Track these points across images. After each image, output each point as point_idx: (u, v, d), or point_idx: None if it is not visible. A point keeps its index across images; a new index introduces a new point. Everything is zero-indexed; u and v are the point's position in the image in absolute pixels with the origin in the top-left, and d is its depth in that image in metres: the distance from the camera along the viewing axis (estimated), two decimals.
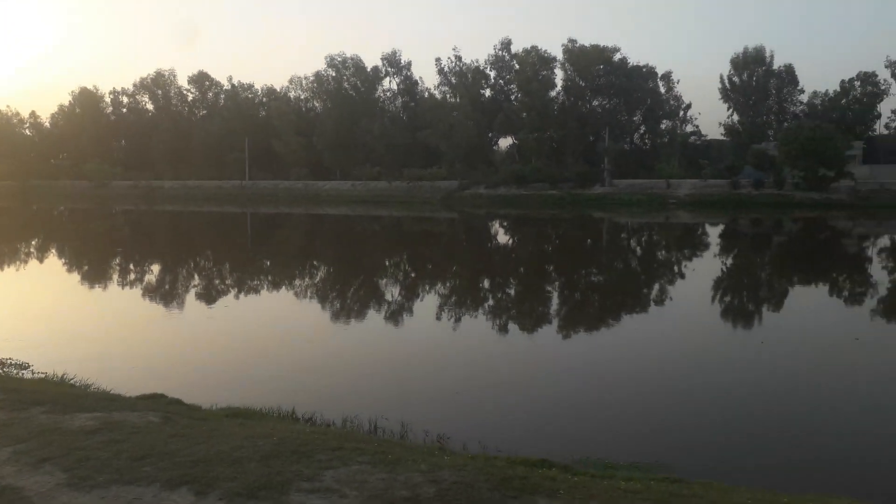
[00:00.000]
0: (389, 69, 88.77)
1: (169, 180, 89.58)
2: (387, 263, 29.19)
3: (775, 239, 38.04)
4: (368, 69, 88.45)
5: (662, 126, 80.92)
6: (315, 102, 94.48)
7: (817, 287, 23.04)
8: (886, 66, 74.24)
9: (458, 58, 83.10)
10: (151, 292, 20.59)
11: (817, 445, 8.45)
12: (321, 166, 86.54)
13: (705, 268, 25.93)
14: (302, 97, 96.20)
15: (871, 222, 44.75)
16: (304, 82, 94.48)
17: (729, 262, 28.77)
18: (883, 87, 76.14)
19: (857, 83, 77.37)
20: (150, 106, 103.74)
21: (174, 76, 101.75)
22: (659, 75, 79.73)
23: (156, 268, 26.97)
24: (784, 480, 6.85)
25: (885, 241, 37.01)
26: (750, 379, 11.36)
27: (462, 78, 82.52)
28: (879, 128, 77.88)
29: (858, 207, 51.94)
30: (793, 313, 17.98)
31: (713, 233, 41.86)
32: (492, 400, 10.22)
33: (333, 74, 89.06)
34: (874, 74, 76.50)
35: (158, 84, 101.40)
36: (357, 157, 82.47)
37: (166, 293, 20.60)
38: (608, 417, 9.44)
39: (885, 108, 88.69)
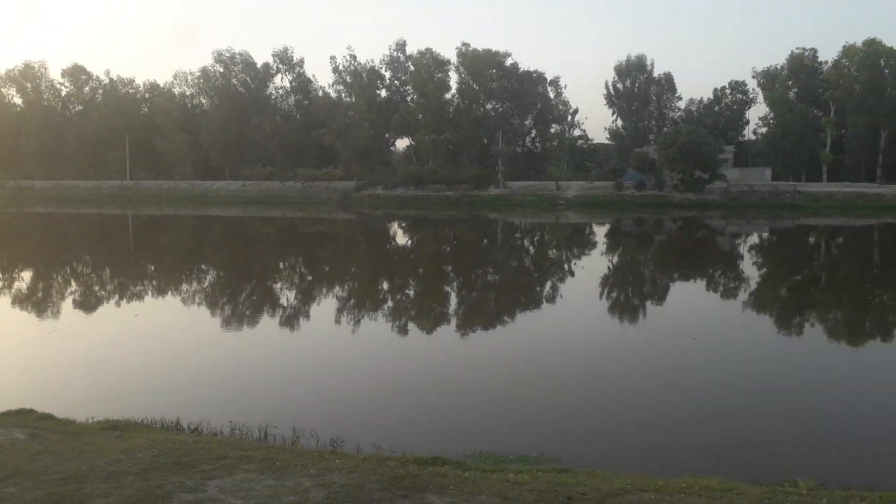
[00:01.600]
0: (281, 66, 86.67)
1: (41, 180, 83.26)
2: (281, 266, 28.48)
3: (657, 238, 40.24)
4: (259, 65, 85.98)
5: (552, 130, 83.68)
6: (202, 99, 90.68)
7: (696, 282, 24.61)
8: (753, 76, 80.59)
9: (353, 57, 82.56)
10: (22, 301, 19.05)
11: (693, 431, 8.99)
12: (209, 166, 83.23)
13: (593, 266, 27.06)
14: (187, 93, 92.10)
15: (741, 221, 48.35)
16: (189, 78, 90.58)
17: (615, 260, 30.16)
18: (751, 96, 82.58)
19: (729, 91, 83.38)
20: (17, 100, 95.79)
21: (45, 68, 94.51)
22: (548, 81, 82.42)
23: (27, 275, 24.97)
24: (661, 465, 7.26)
25: (754, 238, 40.06)
26: (635, 371, 11.96)
27: (357, 77, 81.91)
28: (748, 133, 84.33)
29: (730, 207, 56.07)
30: (676, 307, 19.10)
31: (600, 232, 43.74)
32: (388, 401, 10.21)
33: (221, 70, 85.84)
34: (743, 83, 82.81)
35: (27, 76, 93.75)
36: (247, 157, 79.93)
37: (39, 301, 19.13)
38: (502, 412, 9.65)
39: (752, 114, 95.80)
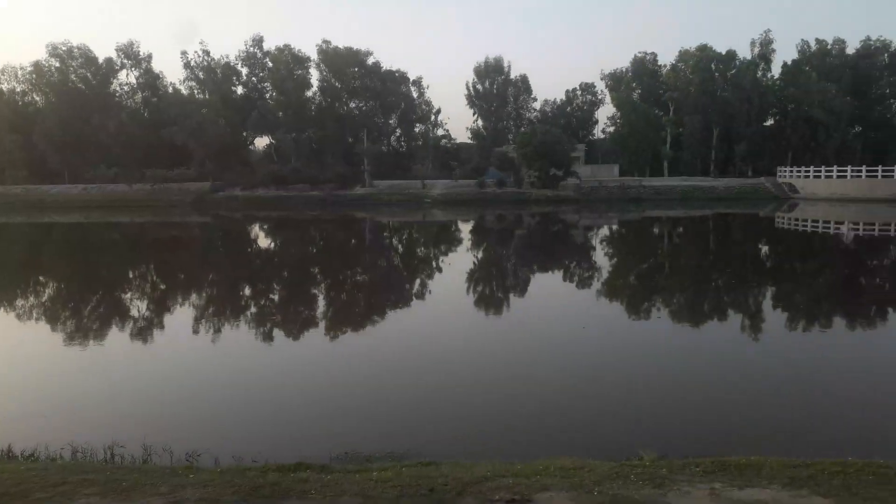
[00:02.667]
0: (126, 61, 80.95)
1: None
2: (130, 276, 26.59)
3: (517, 232, 41.77)
4: (101, 60, 79.75)
5: (416, 129, 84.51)
6: (35, 96, 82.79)
7: (554, 273, 25.77)
8: (602, 78, 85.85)
9: (207, 52, 78.78)
10: None
11: (558, 415, 9.38)
12: (46, 168, 76.15)
13: (460, 262, 27.60)
14: (18, 90, 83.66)
15: (593, 215, 51.31)
16: (19, 73, 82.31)
17: (480, 255, 30.96)
18: (600, 97, 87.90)
19: (579, 92, 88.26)
20: None
21: None
22: (411, 80, 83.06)
23: None
24: (527, 449, 7.50)
25: (605, 230, 42.61)
26: (501, 361, 12.32)
27: (211, 73, 78.30)
28: (598, 132, 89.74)
29: (583, 202, 59.47)
30: (533, 298, 19.90)
31: (465, 229, 44.75)
32: (251, 409, 9.80)
33: (57, 65, 78.78)
34: (592, 85, 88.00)
35: None
36: (90, 158, 73.85)
37: None
38: (371, 411, 9.56)
39: (601, 114, 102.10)
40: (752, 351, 13.39)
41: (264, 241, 39.52)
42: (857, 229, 39.81)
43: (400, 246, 35.99)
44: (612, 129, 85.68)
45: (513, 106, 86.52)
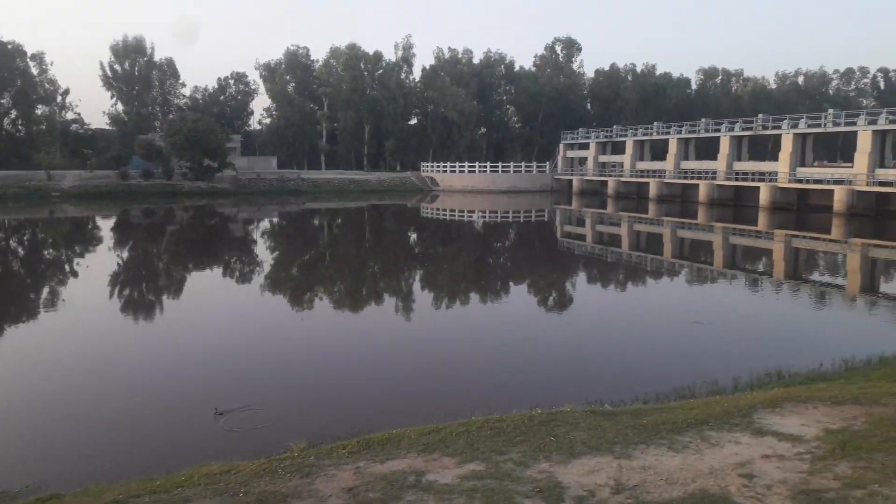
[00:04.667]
0: None
1: None
2: None
3: (169, 227, 38.86)
4: None
5: (38, 112, 72.63)
6: None
7: (213, 270, 24.56)
8: (256, 68, 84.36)
9: None
10: None
11: (204, 423, 8.90)
12: None
13: (101, 263, 24.60)
14: None
15: (252, 207, 50.34)
16: None
17: (125, 254, 28.02)
18: (253, 87, 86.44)
19: (232, 81, 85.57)
20: None
21: None
22: (28, 55, 70.99)
23: None
24: (171, 463, 6.96)
25: (265, 223, 42.12)
26: (113, 371, 11.28)
27: None
28: (254, 123, 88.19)
29: (240, 195, 58.02)
30: (191, 297, 18.72)
31: (105, 226, 40.08)
32: None
33: None
34: (245, 75, 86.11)
35: None
36: None
37: None
38: None
39: (257, 105, 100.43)
40: (399, 329, 14.54)
41: None
42: (485, 216, 46.04)
43: (20, 249, 30.64)
44: (268, 120, 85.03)
45: (158, 91, 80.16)
